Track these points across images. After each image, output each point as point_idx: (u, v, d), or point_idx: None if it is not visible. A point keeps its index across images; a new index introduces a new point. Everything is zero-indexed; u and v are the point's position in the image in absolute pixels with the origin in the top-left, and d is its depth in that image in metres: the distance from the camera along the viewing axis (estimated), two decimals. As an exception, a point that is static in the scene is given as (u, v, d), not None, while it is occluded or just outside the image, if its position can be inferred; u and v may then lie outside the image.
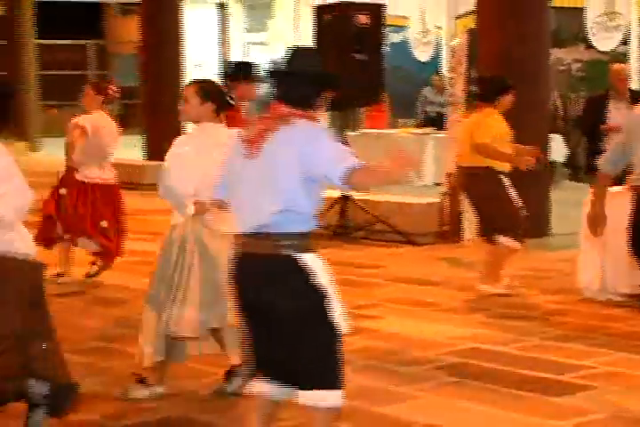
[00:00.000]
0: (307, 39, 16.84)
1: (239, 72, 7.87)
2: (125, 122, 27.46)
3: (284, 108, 3.97)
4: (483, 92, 8.17)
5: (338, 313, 3.94)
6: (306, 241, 3.92)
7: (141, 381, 5.43)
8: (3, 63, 23.15)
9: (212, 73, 26.01)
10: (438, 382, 5.81)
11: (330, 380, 3.94)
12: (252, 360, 4.08)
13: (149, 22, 16.78)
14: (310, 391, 3.92)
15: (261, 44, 23.47)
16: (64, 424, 5.07)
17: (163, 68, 16.54)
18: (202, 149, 5.27)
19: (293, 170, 3.84)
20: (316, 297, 3.88)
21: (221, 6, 25.24)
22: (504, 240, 7.97)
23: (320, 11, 11.20)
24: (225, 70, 8.24)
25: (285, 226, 3.86)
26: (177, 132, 15.36)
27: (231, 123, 6.70)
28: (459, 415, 5.26)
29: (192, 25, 21.82)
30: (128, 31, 26.55)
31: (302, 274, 3.88)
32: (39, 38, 23.19)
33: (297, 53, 4.17)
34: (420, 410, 5.29)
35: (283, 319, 3.90)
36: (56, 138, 23.98)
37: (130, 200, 12.29)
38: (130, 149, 16.38)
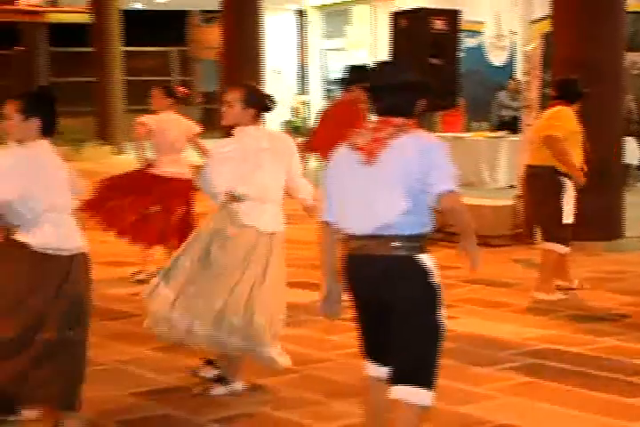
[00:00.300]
0: (383, 45, 16.80)
1: (356, 76, 7.84)
2: (207, 125, 27.69)
3: (396, 119, 4.03)
4: (563, 92, 8.00)
5: (444, 313, 4.04)
6: (422, 242, 4.04)
7: (209, 362, 5.51)
8: (91, 69, 23.51)
9: (290, 78, 26.20)
10: (512, 382, 5.75)
11: (428, 378, 3.99)
12: (367, 354, 4.19)
13: (231, 29, 16.89)
14: (407, 387, 3.95)
15: (339, 49, 23.46)
16: (148, 418, 5.13)
17: (243, 74, 16.63)
18: (244, 151, 5.37)
19: (413, 175, 3.93)
20: (433, 297, 4.00)
21: (300, 13, 25.28)
22: (550, 245, 7.87)
23: (397, 17, 11.16)
24: (342, 74, 8.23)
25: (405, 228, 3.97)
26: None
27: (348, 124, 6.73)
28: (533, 415, 5.19)
29: (271, 31, 21.91)
30: (210, 38, 26.73)
31: (421, 273, 3.99)
32: (125, 46, 23.48)
33: (388, 66, 4.21)
34: (494, 410, 5.23)
35: (401, 318, 3.97)
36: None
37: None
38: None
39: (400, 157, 3.96)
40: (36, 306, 4.45)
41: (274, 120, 21.79)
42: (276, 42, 24.36)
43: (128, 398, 5.40)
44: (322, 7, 23.28)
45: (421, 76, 4.32)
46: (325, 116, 8.41)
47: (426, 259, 4.02)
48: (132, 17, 24.58)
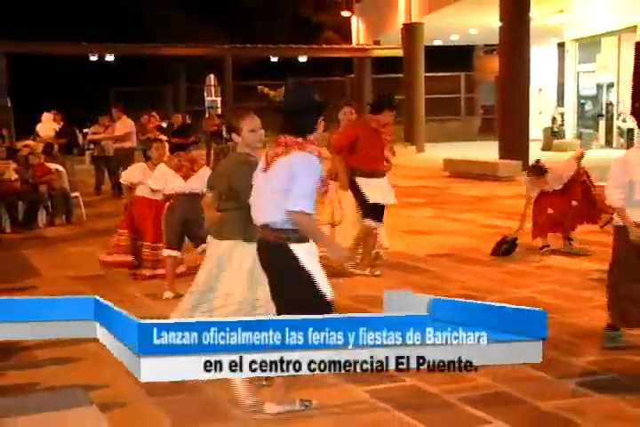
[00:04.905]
0: (627, 68, 15.78)
1: (384, 103, 6.95)
2: (487, 132, 27.39)
3: (288, 138, 3.61)
4: None
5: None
6: (291, 234, 3.62)
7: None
8: (401, 90, 23.81)
9: (551, 94, 25.20)
10: None
11: None
12: None
13: (506, 58, 16.52)
14: None
15: (590, 72, 22.37)
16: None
17: (514, 92, 16.24)
18: None
19: (281, 189, 3.59)
20: None
21: (560, 45, 24.38)
22: None
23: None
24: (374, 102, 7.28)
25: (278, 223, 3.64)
26: (525, 139, 15.03)
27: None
28: None
29: (537, 59, 21.18)
30: (490, 65, 26.35)
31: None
32: (427, 72, 23.55)
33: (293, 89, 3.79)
34: None
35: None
36: (435, 143, 24.47)
37: (489, 188, 12.24)
38: (489, 151, 16.30)
39: (277, 172, 3.59)
40: None
41: (537, 127, 21.10)
42: (540, 66, 23.58)
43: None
44: (578, 40, 22.24)
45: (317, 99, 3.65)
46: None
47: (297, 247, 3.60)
48: (432, 50, 24.57)
